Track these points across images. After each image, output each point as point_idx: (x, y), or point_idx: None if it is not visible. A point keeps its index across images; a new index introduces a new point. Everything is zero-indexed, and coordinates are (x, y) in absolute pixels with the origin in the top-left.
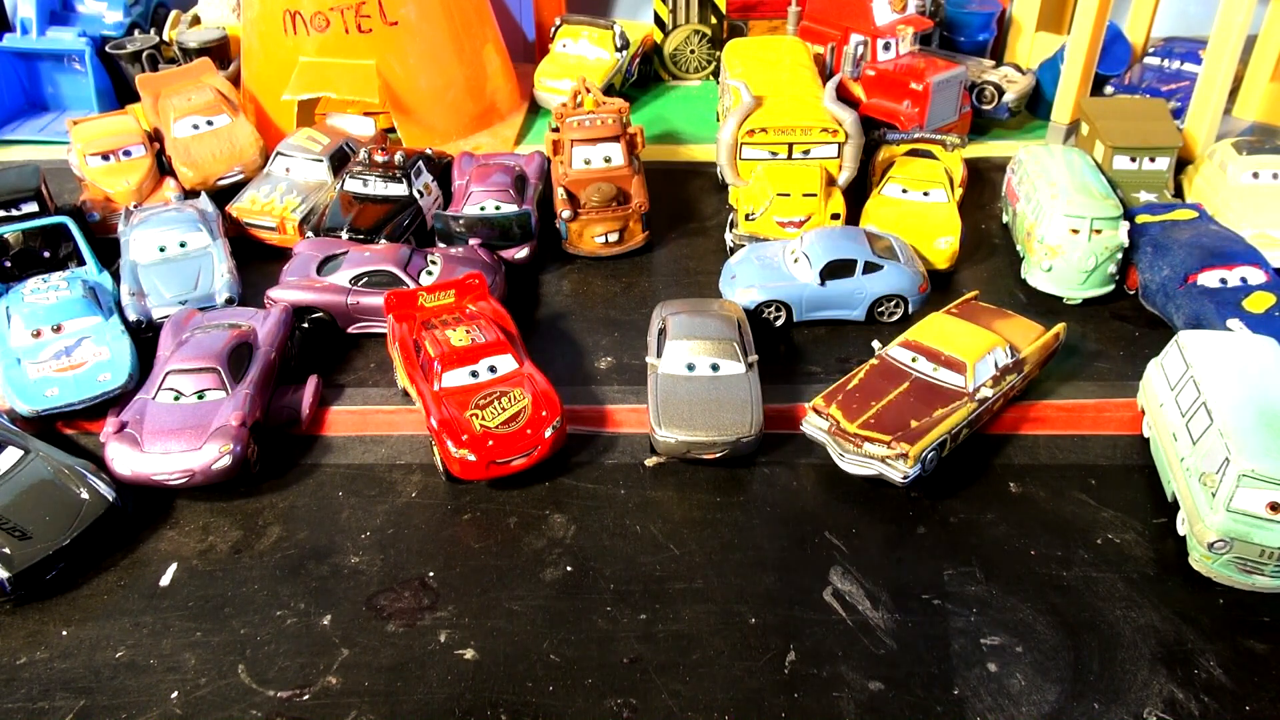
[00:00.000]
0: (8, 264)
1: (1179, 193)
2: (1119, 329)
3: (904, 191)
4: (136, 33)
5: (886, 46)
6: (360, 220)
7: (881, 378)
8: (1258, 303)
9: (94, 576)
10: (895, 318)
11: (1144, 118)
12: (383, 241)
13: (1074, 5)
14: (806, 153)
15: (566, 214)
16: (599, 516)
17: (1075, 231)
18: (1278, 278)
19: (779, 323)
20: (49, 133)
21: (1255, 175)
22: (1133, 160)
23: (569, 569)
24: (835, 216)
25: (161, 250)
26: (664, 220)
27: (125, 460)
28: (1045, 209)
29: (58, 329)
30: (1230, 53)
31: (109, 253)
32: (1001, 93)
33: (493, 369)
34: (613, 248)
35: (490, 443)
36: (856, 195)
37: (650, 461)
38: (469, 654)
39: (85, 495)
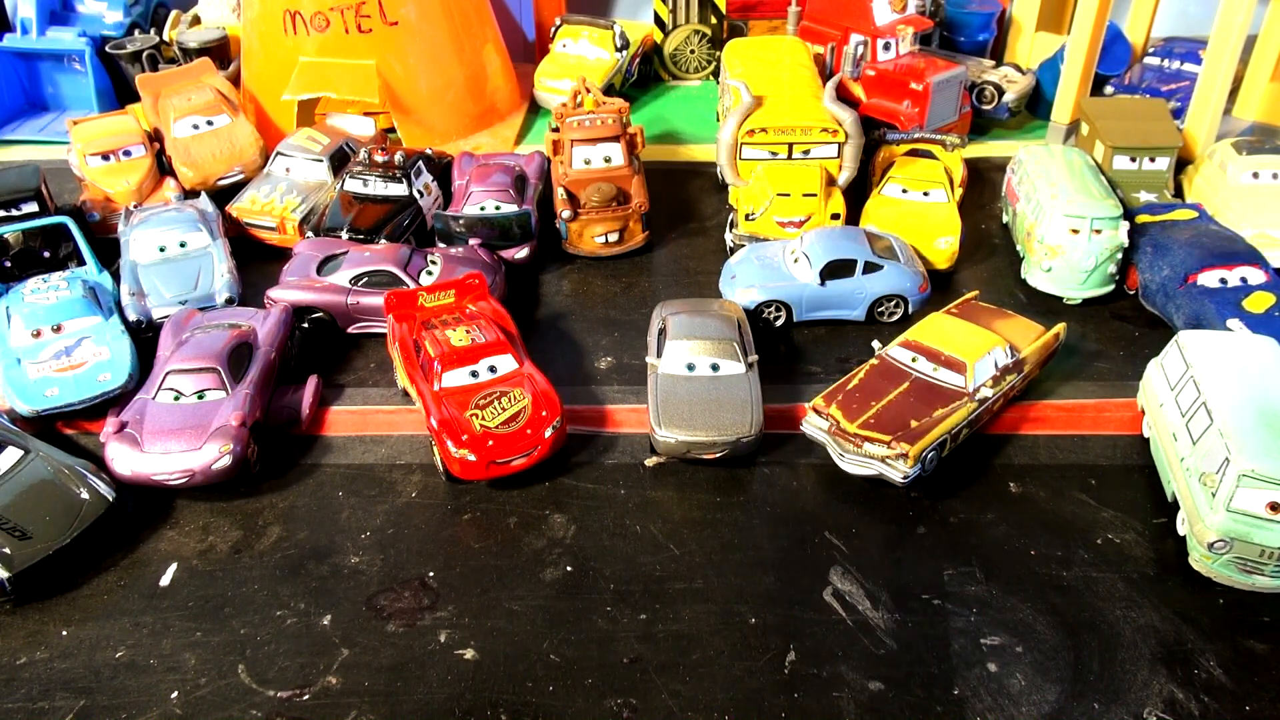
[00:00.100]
0: (8, 264)
1: (1179, 193)
2: (1119, 329)
3: (904, 191)
4: (136, 33)
5: (886, 46)
6: (360, 220)
7: (881, 378)
8: (1258, 303)
9: (94, 576)
10: (895, 318)
11: (1144, 118)
12: (383, 241)
13: (1074, 5)
14: (806, 153)
15: (566, 214)
16: (599, 516)
17: (1075, 231)
18: (1278, 278)
19: (779, 323)
20: (49, 133)
21: (1255, 175)
22: (1133, 160)
23: (569, 569)
24: (835, 216)
25: (161, 250)
26: (664, 220)
27: (125, 460)
28: (1045, 209)
29: (58, 329)
30: (1230, 53)
31: (109, 253)
32: (1001, 93)
33: (493, 369)
34: (613, 248)
35: (490, 443)
36: (856, 195)
37: (650, 461)
38: (469, 654)
39: (85, 495)
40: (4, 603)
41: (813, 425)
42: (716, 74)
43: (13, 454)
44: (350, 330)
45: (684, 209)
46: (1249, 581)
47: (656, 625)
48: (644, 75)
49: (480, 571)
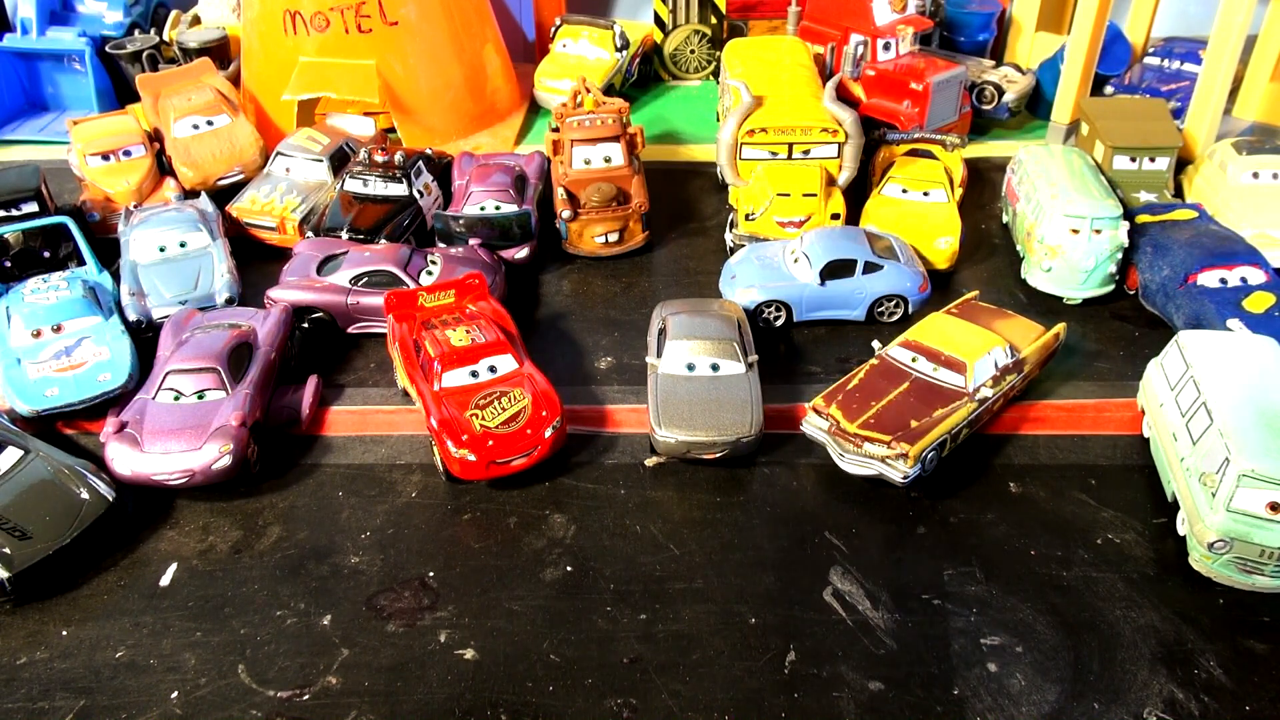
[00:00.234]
0: (8, 264)
1: (1179, 193)
2: (1119, 329)
3: (904, 191)
4: (136, 33)
5: (886, 46)
6: (360, 220)
7: (881, 378)
8: (1258, 303)
9: (94, 576)
10: (895, 318)
11: (1144, 118)
12: (383, 241)
13: (1074, 5)
14: (806, 153)
15: (566, 214)
16: (599, 516)
17: (1075, 231)
18: (1278, 278)
19: (779, 323)
20: (49, 133)
21: (1255, 175)
22: (1133, 160)
23: (569, 569)
24: (835, 216)
25: (161, 250)
26: (664, 220)
27: (125, 460)
28: (1045, 209)
29: (58, 329)
30: (1230, 53)
31: (109, 253)
32: (1001, 93)
33: (493, 369)
34: (613, 248)
35: (490, 443)
36: (856, 195)
37: (650, 461)
38: (469, 654)
39: (85, 495)
40: (4, 603)
41: (813, 425)
42: (716, 74)
43: (13, 454)
44: (350, 330)
45: (684, 209)
46: (1249, 581)
47: (656, 625)
48: (644, 75)
49: (480, 571)
